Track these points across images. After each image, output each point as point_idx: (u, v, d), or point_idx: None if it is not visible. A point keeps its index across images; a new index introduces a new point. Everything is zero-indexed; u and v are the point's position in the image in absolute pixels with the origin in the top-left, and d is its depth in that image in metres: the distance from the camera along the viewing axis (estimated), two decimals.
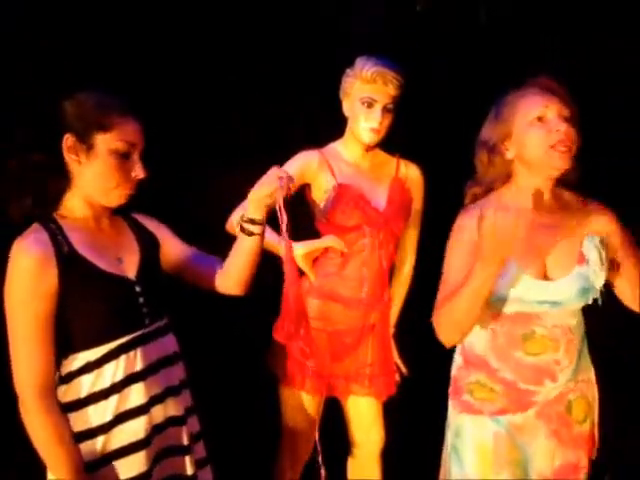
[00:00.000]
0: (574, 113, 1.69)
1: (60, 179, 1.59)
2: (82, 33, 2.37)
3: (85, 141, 1.56)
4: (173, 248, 1.77)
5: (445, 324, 1.69)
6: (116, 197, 1.62)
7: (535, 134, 1.67)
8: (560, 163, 1.67)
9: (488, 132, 1.77)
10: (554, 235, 1.72)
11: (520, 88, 1.75)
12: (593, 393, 1.84)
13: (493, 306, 1.72)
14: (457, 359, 1.89)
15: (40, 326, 1.51)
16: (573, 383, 1.77)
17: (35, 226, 1.58)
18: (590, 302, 1.72)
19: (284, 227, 1.67)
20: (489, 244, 1.54)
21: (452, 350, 1.86)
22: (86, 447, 1.57)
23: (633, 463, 2.36)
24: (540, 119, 1.67)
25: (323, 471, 2.06)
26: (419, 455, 2.51)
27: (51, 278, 1.51)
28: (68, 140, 1.56)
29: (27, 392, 1.51)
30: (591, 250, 1.72)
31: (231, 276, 1.75)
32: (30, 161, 1.56)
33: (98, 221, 1.65)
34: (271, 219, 1.74)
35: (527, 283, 1.68)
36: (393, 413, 2.32)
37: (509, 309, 1.71)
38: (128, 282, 1.62)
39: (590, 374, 1.84)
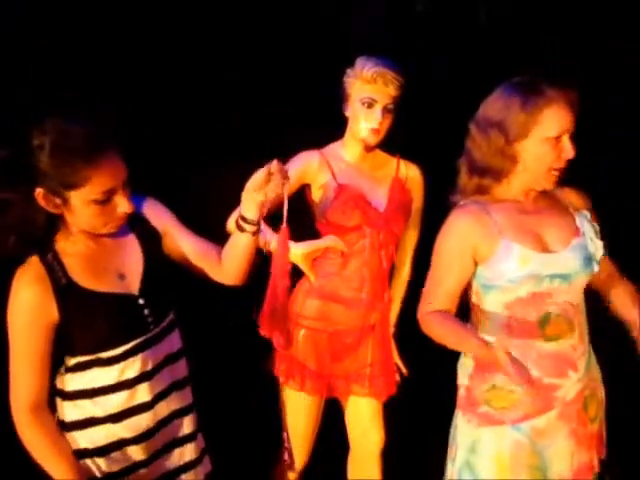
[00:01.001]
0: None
1: (44, 222, 1.53)
2: (82, 33, 2.37)
3: (58, 196, 1.48)
4: (175, 239, 1.75)
5: (428, 334, 1.73)
6: (107, 229, 1.59)
7: (547, 153, 1.70)
8: (549, 185, 1.75)
9: (512, 119, 1.68)
10: (547, 216, 1.78)
11: (544, 91, 1.67)
12: (602, 393, 1.87)
13: (507, 297, 1.72)
14: (466, 365, 1.85)
15: (38, 354, 1.56)
16: (587, 379, 1.79)
17: (33, 260, 1.55)
18: (594, 271, 1.75)
19: (284, 215, 1.68)
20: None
21: (452, 350, 1.85)
22: (87, 438, 1.62)
23: (633, 463, 2.37)
24: (557, 139, 1.69)
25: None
26: (419, 455, 2.52)
27: (50, 312, 1.54)
28: (40, 194, 1.47)
29: (21, 409, 1.56)
30: (584, 223, 1.79)
31: (225, 268, 1.76)
32: (9, 208, 1.48)
33: (97, 240, 1.63)
34: (273, 221, 1.75)
35: (534, 258, 1.70)
36: (393, 413, 2.32)
37: (523, 291, 1.71)
38: (131, 298, 1.62)
39: (599, 374, 1.87)
